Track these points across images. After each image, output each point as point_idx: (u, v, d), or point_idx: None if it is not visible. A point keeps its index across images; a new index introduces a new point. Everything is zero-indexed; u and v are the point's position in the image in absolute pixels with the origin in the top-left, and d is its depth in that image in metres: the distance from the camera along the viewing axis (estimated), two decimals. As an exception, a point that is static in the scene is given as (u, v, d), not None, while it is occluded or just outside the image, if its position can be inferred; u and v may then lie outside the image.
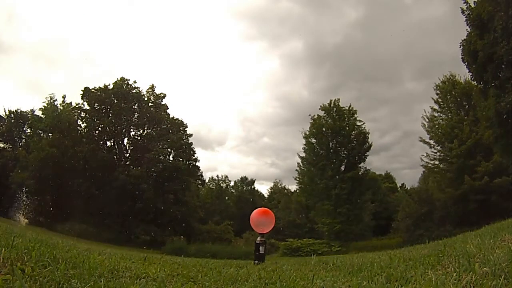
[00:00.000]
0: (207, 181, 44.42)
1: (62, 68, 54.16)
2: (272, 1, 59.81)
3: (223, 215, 39.59)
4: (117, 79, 31.43)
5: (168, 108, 32.65)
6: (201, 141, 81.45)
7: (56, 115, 29.48)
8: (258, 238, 3.17)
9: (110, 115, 30.72)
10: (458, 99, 26.17)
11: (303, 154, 30.55)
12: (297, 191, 35.56)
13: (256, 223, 3.25)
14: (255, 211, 3.36)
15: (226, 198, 47.82)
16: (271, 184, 53.90)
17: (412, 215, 25.83)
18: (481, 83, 15.93)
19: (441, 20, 48.36)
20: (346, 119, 29.33)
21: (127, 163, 31.22)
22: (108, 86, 31.00)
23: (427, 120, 27.01)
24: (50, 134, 29.25)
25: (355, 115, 29.60)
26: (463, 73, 24.90)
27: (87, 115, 30.82)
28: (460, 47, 15.80)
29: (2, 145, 33.10)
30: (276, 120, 64.65)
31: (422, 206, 25.77)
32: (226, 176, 50.31)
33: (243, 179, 51.26)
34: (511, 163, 17.26)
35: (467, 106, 25.65)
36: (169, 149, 31.87)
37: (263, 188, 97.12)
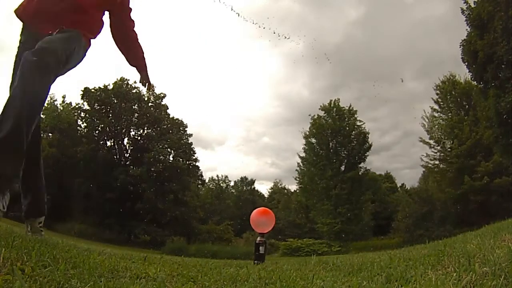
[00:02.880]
0: (207, 181, 44.48)
1: (62, 68, 53.94)
2: (272, 0, 59.77)
3: (223, 215, 39.61)
4: (117, 79, 31.44)
5: (168, 108, 32.70)
6: (201, 141, 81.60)
7: (56, 115, 29.51)
8: (258, 238, 3.18)
9: (110, 115, 30.75)
10: (458, 99, 26.16)
11: (303, 154, 30.62)
12: (297, 191, 35.60)
13: (256, 223, 3.25)
14: (255, 211, 3.36)
15: (226, 198, 47.88)
16: (271, 184, 53.97)
17: (412, 215, 25.85)
18: (481, 83, 15.94)
19: (442, 19, 48.34)
20: (346, 119, 29.37)
21: (127, 163, 31.25)
22: (108, 86, 31.03)
23: (427, 120, 27.05)
24: (50, 134, 29.27)
25: (355, 115, 29.66)
26: (463, 73, 24.91)
27: (87, 115, 30.85)
28: (460, 47, 15.83)
29: (2, 145, 33.10)
30: (276, 120, 64.75)
31: (422, 206, 25.79)
32: (226, 176, 50.40)
33: (243, 179, 51.33)
34: (511, 163, 17.27)
35: (467, 106, 25.64)
36: (169, 149, 31.89)
37: (263, 188, 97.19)
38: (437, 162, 26.63)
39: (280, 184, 51.09)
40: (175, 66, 67.07)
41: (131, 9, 2.59)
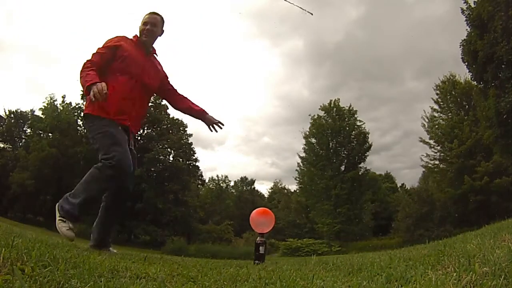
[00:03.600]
0: (207, 181, 44.49)
1: (62, 68, 54.19)
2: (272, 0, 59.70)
3: (223, 215, 39.61)
4: (117, 79, 31.41)
5: (168, 108, 32.65)
6: (201, 141, 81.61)
7: (56, 115, 29.48)
8: (258, 238, 3.17)
9: (110, 115, 30.75)
10: (458, 99, 26.15)
11: (303, 154, 30.61)
12: (297, 191, 35.59)
13: (256, 223, 3.25)
14: (254, 211, 3.35)
15: (226, 198, 47.91)
16: (271, 184, 54.02)
17: (412, 215, 25.84)
18: (481, 83, 15.91)
19: (442, 19, 48.38)
20: (346, 119, 29.36)
21: (127, 163, 31.22)
22: (108, 86, 30.99)
23: (427, 120, 27.04)
24: (50, 134, 29.27)
25: (355, 115, 29.65)
26: (463, 73, 24.90)
27: (87, 115, 30.84)
28: (460, 47, 15.81)
29: (2, 145, 33.12)
30: (276, 119, 64.82)
31: (422, 206, 25.78)
32: (226, 176, 50.41)
33: (243, 179, 51.39)
34: (511, 163, 17.26)
35: (467, 106, 25.63)
36: (169, 149, 31.88)
37: (263, 188, 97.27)
38: (437, 162, 26.63)
39: (280, 184, 51.18)
40: (175, 66, 66.93)
41: (169, 83, 3.19)
